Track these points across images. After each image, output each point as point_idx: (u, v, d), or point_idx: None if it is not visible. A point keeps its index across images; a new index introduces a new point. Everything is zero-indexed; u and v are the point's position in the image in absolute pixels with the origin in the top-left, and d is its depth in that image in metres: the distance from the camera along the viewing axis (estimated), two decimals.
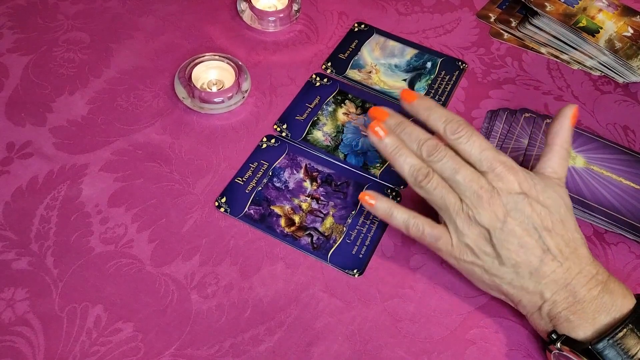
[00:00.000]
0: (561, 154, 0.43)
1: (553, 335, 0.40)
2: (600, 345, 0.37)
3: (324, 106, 0.56)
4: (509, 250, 0.40)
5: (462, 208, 0.41)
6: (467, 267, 0.42)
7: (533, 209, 0.40)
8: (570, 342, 0.39)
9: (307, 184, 0.50)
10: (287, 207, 0.49)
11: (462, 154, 0.42)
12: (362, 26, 0.63)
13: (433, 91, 0.58)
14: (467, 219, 0.41)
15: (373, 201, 0.44)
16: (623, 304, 0.39)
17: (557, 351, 0.39)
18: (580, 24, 0.62)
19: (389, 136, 0.43)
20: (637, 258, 0.48)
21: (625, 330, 0.37)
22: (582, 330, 0.39)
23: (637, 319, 0.38)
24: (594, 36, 0.61)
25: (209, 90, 0.54)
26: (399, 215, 0.43)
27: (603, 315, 0.38)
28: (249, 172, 0.50)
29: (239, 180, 0.50)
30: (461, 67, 0.60)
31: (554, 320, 0.40)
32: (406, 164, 0.42)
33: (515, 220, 0.40)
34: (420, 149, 0.42)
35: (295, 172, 0.51)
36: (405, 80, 0.59)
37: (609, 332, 0.37)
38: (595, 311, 0.39)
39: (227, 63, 0.55)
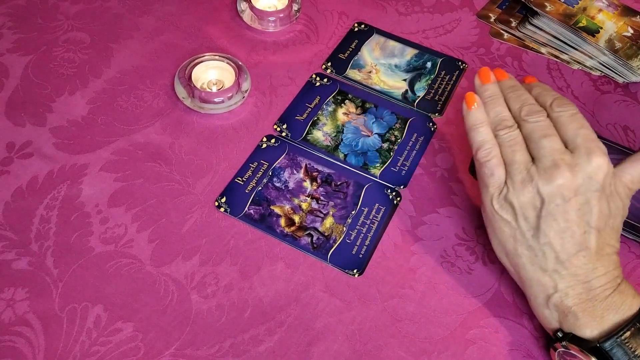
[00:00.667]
0: None
1: (559, 333, 0.39)
2: (608, 344, 0.37)
3: (324, 106, 0.56)
4: (551, 228, 0.39)
5: (529, 169, 0.39)
6: (498, 223, 0.41)
7: (599, 204, 0.39)
8: (576, 341, 0.39)
9: (307, 184, 0.50)
10: (287, 207, 0.49)
11: (560, 129, 0.41)
12: (362, 26, 0.63)
13: (433, 91, 0.58)
14: (529, 180, 0.39)
15: (475, 106, 0.43)
16: (632, 304, 0.39)
17: (563, 349, 0.39)
18: (580, 24, 0.62)
19: (494, 84, 0.44)
20: (637, 258, 0.48)
21: (633, 329, 0.37)
22: (589, 329, 0.38)
23: None
24: (594, 36, 0.61)
25: (209, 90, 0.54)
26: (484, 133, 0.42)
27: (612, 314, 0.38)
28: (249, 172, 0.50)
29: (239, 180, 0.50)
30: (461, 67, 0.60)
31: (560, 313, 0.39)
32: (494, 111, 0.42)
33: (576, 204, 0.38)
34: (522, 107, 0.42)
35: (295, 172, 0.51)
36: (405, 80, 0.59)
37: (616, 331, 0.37)
38: (604, 310, 0.38)
39: (227, 63, 0.55)
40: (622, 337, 0.37)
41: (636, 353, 0.37)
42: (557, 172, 0.38)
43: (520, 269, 0.41)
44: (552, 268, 0.39)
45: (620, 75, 0.61)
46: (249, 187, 0.49)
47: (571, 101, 0.43)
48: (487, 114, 0.43)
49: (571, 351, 0.39)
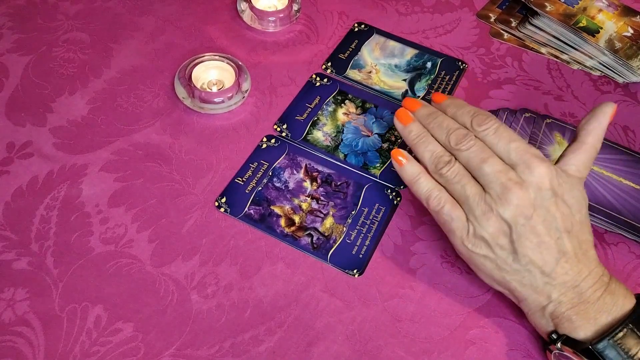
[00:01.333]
0: (591, 153, 0.41)
1: (553, 335, 0.39)
2: (600, 345, 0.37)
3: (324, 106, 0.56)
4: (526, 248, 0.39)
5: (484, 199, 0.39)
6: (477, 259, 0.41)
7: (558, 208, 0.39)
8: (571, 342, 0.39)
9: (307, 184, 0.50)
10: (287, 207, 0.49)
11: (490, 147, 0.41)
12: (362, 26, 0.63)
13: (433, 91, 0.58)
14: (489, 210, 0.39)
15: (405, 161, 0.43)
16: (624, 304, 0.39)
17: (558, 351, 0.39)
18: (580, 24, 0.62)
19: (414, 123, 0.43)
20: (637, 258, 0.48)
21: (625, 330, 0.37)
22: (583, 331, 0.38)
23: (637, 318, 0.38)
24: (594, 36, 0.61)
25: (209, 90, 0.54)
26: (425, 183, 0.42)
27: (604, 316, 0.38)
28: (249, 172, 0.50)
29: (239, 180, 0.50)
30: (461, 67, 0.60)
31: (555, 320, 0.40)
32: (427, 151, 0.42)
33: (539, 218, 0.38)
34: (449, 137, 0.41)
35: (295, 172, 0.51)
36: (405, 80, 0.59)
37: (609, 332, 0.37)
38: (597, 311, 0.39)
39: (227, 63, 0.55)
40: (615, 338, 0.37)
41: (630, 354, 0.37)
42: (510, 194, 0.38)
43: (513, 291, 0.41)
44: (542, 282, 0.39)
45: (620, 75, 0.61)
46: (249, 187, 0.49)
47: (486, 112, 0.42)
48: (420, 156, 0.43)
49: (565, 353, 0.39)
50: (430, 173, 0.42)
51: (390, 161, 0.52)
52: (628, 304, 0.39)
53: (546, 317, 0.40)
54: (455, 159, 0.41)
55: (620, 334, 0.37)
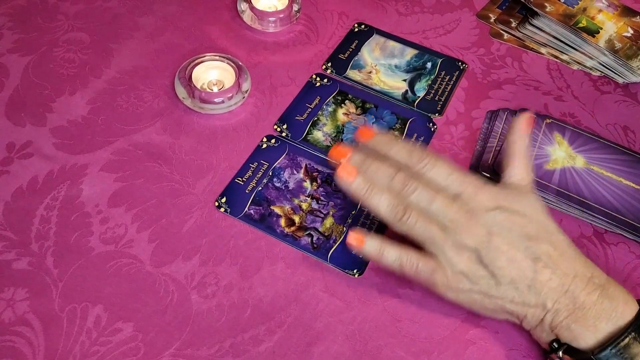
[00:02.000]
0: (524, 159, 0.43)
1: (554, 344, 0.39)
2: (603, 355, 0.36)
3: (324, 106, 0.56)
4: (501, 268, 0.39)
5: (446, 236, 0.40)
6: (467, 296, 0.40)
7: (512, 221, 0.40)
8: (572, 352, 0.38)
9: (307, 184, 0.50)
10: (287, 207, 0.49)
11: (431, 182, 0.41)
12: (362, 26, 0.63)
13: (433, 91, 0.58)
14: (454, 245, 0.39)
15: (362, 242, 0.42)
16: (625, 311, 0.38)
17: None
18: (580, 25, 0.62)
19: (357, 177, 0.42)
20: (637, 258, 0.48)
21: (628, 338, 0.36)
22: (584, 340, 0.38)
23: None
24: (594, 36, 0.61)
25: (209, 90, 0.54)
26: (391, 254, 0.41)
27: (604, 323, 0.38)
28: (249, 172, 0.50)
29: (239, 180, 0.50)
30: (461, 67, 0.60)
31: (555, 330, 0.39)
32: (382, 204, 0.41)
33: (498, 236, 0.39)
34: (392, 183, 0.41)
35: (295, 172, 0.51)
36: (405, 80, 0.59)
37: (612, 340, 0.37)
38: (596, 318, 0.38)
39: (227, 63, 0.55)
40: (618, 347, 0.36)
41: None
42: (465, 225, 0.39)
43: (511, 312, 0.40)
44: (532, 295, 0.39)
45: (620, 76, 0.61)
46: (249, 187, 0.49)
47: (418, 146, 0.43)
48: (375, 209, 0.41)
49: None
50: (389, 224, 0.41)
51: None
52: (629, 310, 0.38)
53: (546, 329, 0.39)
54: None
55: (623, 343, 0.36)
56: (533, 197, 0.42)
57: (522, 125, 0.45)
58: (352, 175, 0.42)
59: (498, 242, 0.39)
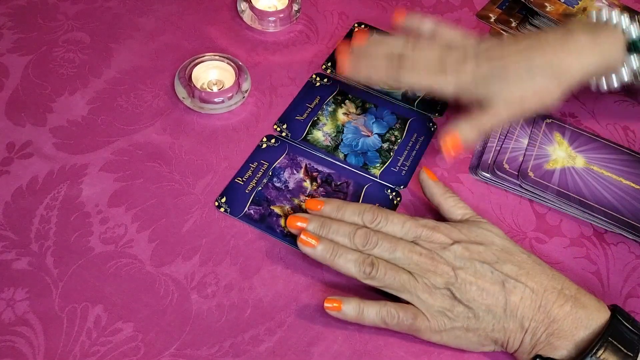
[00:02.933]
0: (452, 200, 0.46)
1: (537, 359, 0.39)
2: None
3: (324, 106, 0.56)
4: (474, 299, 0.40)
5: (416, 281, 0.41)
6: (450, 335, 0.41)
7: (472, 251, 0.41)
8: None
9: (307, 184, 0.50)
10: (287, 207, 0.49)
11: (389, 235, 0.43)
12: (362, 26, 0.63)
13: None
14: (426, 288, 0.41)
15: (339, 307, 0.41)
16: (599, 317, 0.39)
17: None
18: None
19: (320, 243, 0.42)
20: (637, 258, 0.48)
21: (605, 345, 0.37)
22: (565, 349, 0.39)
23: (616, 331, 0.38)
24: None
25: (209, 90, 0.54)
26: (370, 311, 0.41)
27: (582, 331, 0.39)
28: (249, 172, 0.50)
29: (239, 180, 0.50)
30: None
31: (536, 348, 0.40)
32: (349, 263, 0.42)
33: (462, 270, 0.41)
34: (354, 241, 0.42)
35: (295, 172, 0.51)
36: None
37: (590, 348, 0.37)
38: (572, 327, 0.39)
39: (227, 63, 0.55)
40: (597, 355, 0.37)
41: None
42: (430, 265, 0.41)
43: (496, 340, 0.41)
44: (510, 319, 0.40)
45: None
46: (249, 187, 0.49)
47: (368, 204, 0.45)
48: (344, 269, 0.42)
49: None
50: (360, 280, 0.42)
51: (391, 161, 0.52)
52: (602, 316, 0.39)
53: (527, 350, 0.40)
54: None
55: (601, 350, 0.37)
56: (484, 226, 0.44)
57: (427, 177, 0.47)
58: (313, 242, 0.42)
59: (464, 275, 0.40)
